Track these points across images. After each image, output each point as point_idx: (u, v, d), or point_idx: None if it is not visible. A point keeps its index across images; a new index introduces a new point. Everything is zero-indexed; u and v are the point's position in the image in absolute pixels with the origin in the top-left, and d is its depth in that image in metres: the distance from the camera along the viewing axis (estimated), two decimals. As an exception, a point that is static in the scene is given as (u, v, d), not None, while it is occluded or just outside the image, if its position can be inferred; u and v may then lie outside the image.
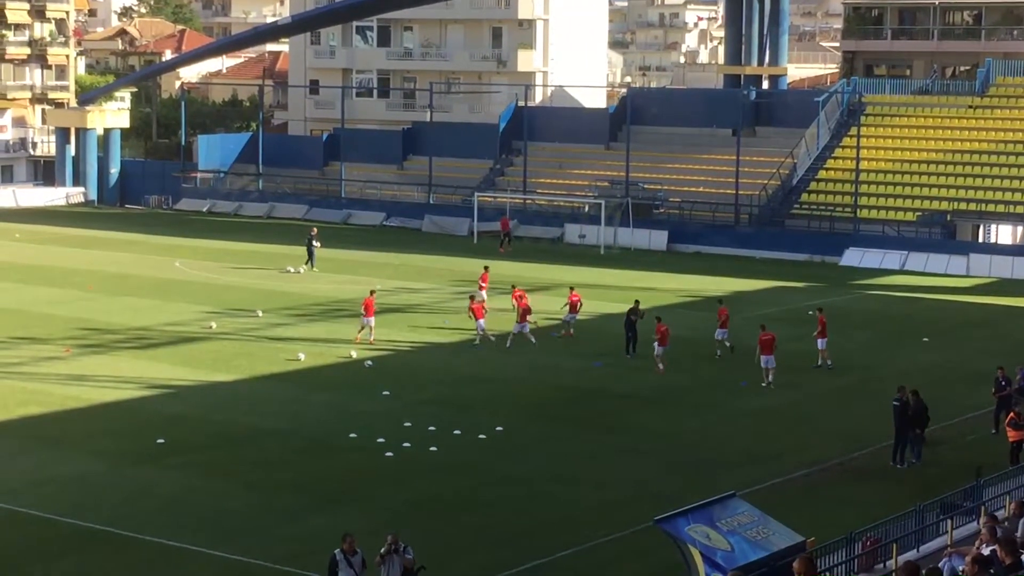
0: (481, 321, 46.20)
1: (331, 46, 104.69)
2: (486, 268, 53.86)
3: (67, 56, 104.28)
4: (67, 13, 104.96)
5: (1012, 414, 32.73)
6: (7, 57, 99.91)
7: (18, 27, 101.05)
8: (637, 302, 46.66)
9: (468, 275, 57.97)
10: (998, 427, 34.96)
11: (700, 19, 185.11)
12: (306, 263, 61.97)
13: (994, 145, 73.18)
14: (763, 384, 40.82)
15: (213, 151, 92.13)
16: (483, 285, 52.12)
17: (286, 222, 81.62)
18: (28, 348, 44.54)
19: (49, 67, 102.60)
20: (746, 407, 38.71)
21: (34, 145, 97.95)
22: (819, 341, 43.71)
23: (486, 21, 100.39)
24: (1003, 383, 35.79)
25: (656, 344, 42.78)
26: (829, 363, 43.55)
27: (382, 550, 22.30)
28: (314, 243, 62.24)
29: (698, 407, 38.80)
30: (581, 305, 47.87)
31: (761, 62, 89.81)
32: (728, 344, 44.51)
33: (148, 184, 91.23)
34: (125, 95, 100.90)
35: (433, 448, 33.53)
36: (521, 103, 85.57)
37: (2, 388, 39.01)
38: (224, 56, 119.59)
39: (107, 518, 28.08)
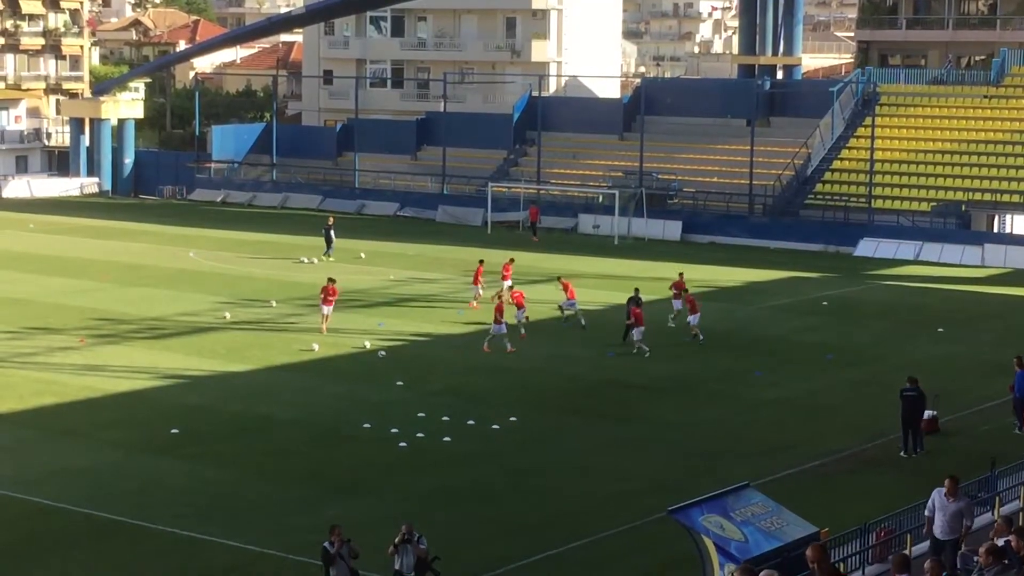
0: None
1: (345, 36, 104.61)
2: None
3: (81, 47, 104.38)
4: (81, 3, 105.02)
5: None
6: (22, 48, 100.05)
7: (32, 18, 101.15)
8: (637, 290, 46.56)
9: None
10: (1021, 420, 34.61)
11: (714, 9, 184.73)
12: (326, 252, 62.47)
13: (1009, 135, 72.94)
14: (636, 352, 42.86)
15: (227, 141, 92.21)
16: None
17: (300, 212, 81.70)
18: (43, 338, 44.60)
19: (63, 58, 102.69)
20: (760, 398, 38.64)
21: (48, 136, 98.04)
22: (691, 317, 45.26)
23: (500, 11, 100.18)
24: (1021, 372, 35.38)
25: (520, 314, 45.19)
26: (701, 337, 44.84)
27: (396, 539, 22.33)
28: (332, 232, 62.88)
29: (712, 397, 38.75)
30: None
31: (776, 52, 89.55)
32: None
33: (162, 174, 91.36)
34: (139, 85, 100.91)
35: (447, 438, 33.54)
36: (535, 93, 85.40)
37: (17, 378, 39.10)
38: (238, 46, 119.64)
39: (121, 508, 28.13)
